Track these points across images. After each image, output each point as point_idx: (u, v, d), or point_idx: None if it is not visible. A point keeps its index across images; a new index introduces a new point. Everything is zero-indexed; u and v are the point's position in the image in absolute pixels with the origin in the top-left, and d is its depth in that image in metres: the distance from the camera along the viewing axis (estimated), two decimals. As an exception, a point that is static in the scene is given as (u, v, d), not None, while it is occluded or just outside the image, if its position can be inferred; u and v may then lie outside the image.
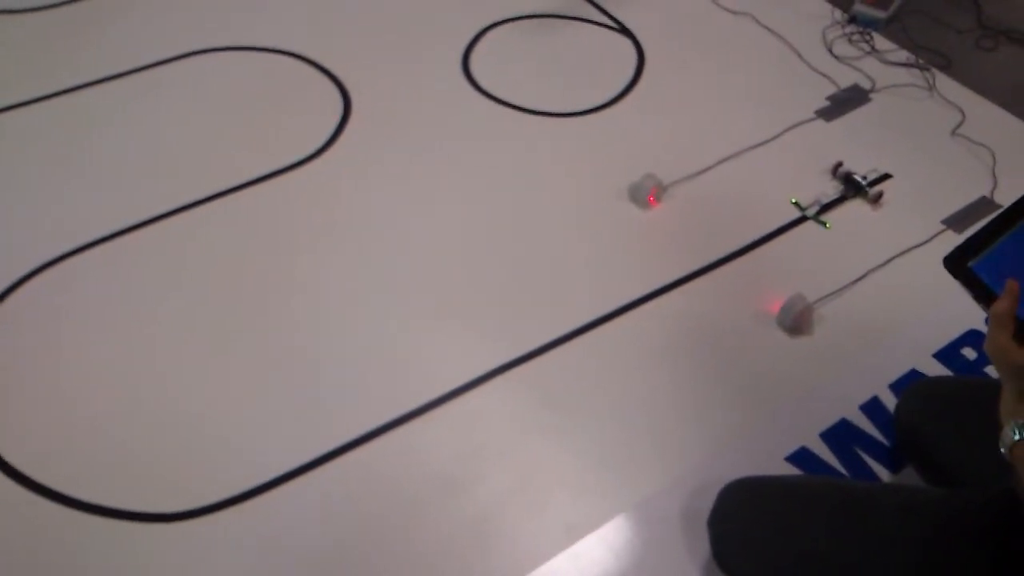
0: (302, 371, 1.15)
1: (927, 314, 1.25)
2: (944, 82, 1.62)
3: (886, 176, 1.44)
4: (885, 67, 1.65)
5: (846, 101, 1.58)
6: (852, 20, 1.74)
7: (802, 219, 1.37)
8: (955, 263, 0.74)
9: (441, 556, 1.00)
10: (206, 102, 1.52)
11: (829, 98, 1.59)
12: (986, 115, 1.57)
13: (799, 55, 1.67)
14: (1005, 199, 1.40)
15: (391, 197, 1.37)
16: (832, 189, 1.42)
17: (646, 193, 1.36)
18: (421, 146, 1.46)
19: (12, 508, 1.02)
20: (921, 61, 1.66)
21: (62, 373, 1.14)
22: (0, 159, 1.41)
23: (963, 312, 1.24)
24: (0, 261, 1.25)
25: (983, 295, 0.72)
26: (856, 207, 1.40)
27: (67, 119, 1.48)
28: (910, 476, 1.06)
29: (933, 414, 1.00)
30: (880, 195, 1.39)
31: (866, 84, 1.62)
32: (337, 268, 1.27)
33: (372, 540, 1.01)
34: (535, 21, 1.72)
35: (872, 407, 1.14)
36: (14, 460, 1.05)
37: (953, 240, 1.33)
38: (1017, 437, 0.68)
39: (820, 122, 1.54)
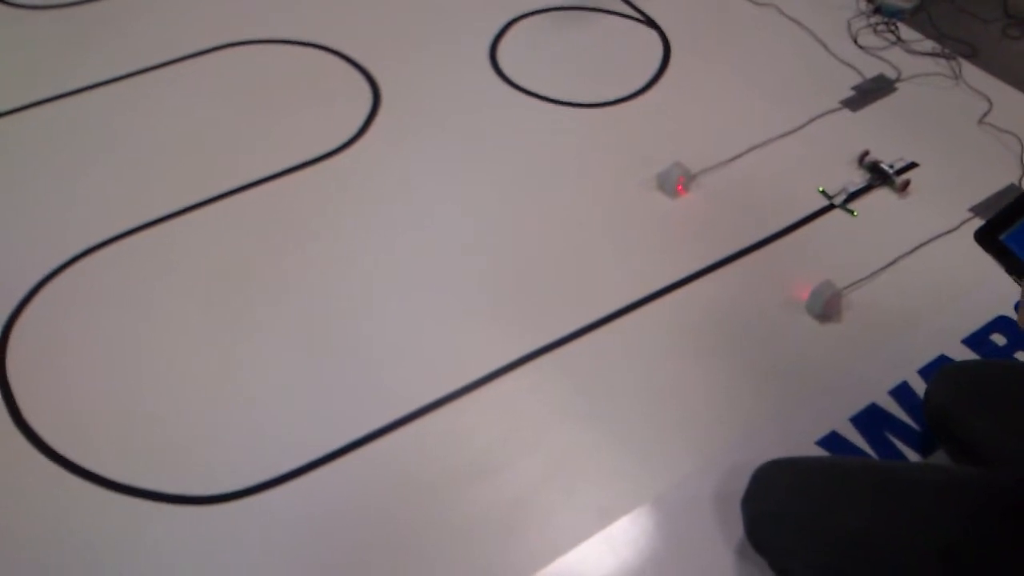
0: (334, 359, 1.17)
1: (955, 300, 1.25)
2: (970, 71, 1.63)
3: (913, 164, 1.44)
4: (911, 57, 1.66)
5: (872, 91, 1.59)
6: (877, 10, 1.75)
7: (829, 207, 1.38)
8: (986, 237, 0.75)
9: (475, 539, 1.01)
10: (236, 95, 1.54)
11: (855, 88, 1.59)
12: (1013, 103, 1.57)
13: (824, 46, 1.67)
14: (1033, 187, 1.41)
15: (420, 187, 1.39)
16: (859, 178, 1.42)
17: (674, 182, 1.37)
18: (450, 137, 1.48)
19: (50, 488, 1.04)
20: (947, 50, 1.66)
21: (98, 358, 1.16)
22: (35, 152, 1.43)
23: (992, 299, 1.24)
24: (40, 248, 1.28)
25: (1015, 267, 0.73)
26: (883, 195, 1.40)
27: (101, 112, 1.50)
28: (940, 459, 1.07)
29: (963, 397, 1.01)
30: (907, 183, 1.40)
31: (892, 74, 1.62)
32: (368, 257, 1.29)
33: (405, 524, 1.02)
34: (562, 13, 1.73)
35: (902, 392, 1.14)
36: (52, 441, 1.08)
37: (981, 227, 1.34)
38: None
39: (846, 112, 1.55)
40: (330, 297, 1.24)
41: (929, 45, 1.68)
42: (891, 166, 1.42)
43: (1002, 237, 0.74)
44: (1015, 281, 0.73)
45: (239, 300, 1.23)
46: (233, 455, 1.07)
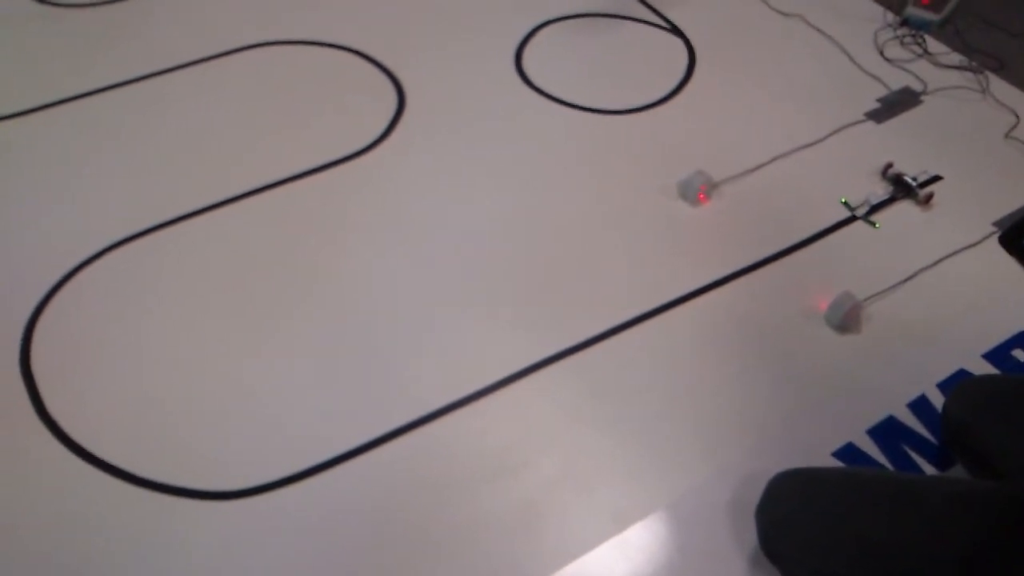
0: (354, 360, 1.18)
1: (977, 315, 1.24)
2: (998, 85, 1.62)
3: (937, 178, 1.44)
4: (937, 69, 1.65)
5: (897, 103, 1.58)
6: (904, 23, 1.74)
7: (851, 219, 1.38)
8: (1010, 240, 0.75)
9: (489, 542, 1.02)
10: (262, 95, 1.56)
11: (880, 100, 1.59)
12: (1040, 118, 1.56)
13: (850, 57, 1.67)
14: (1059, 202, 1.40)
15: (444, 189, 1.40)
16: (882, 190, 1.42)
17: (696, 190, 1.37)
18: (473, 140, 1.49)
19: (72, 482, 1.06)
20: (974, 64, 1.65)
21: (122, 354, 1.18)
22: (61, 149, 1.46)
23: (1014, 314, 1.24)
24: (66, 243, 1.30)
25: None
26: (906, 208, 1.40)
27: (127, 110, 1.52)
28: (958, 474, 1.06)
29: (982, 411, 1.00)
30: (930, 196, 1.39)
31: (917, 86, 1.62)
32: (389, 258, 1.30)
33: (419, 525, 1.03)
34: (588, 20, 1.74)
35: (920, 405, 1.14)
36: (76, 435, 1.10)
37: (1005, 241, 1.34)
38: None
39: (870, 124, 1.54)
40: (351, 298, 1.25)
41: (956, 58, 1.68)
42: (915, 179, 1.41)
43: None
44: None
45: (263, 298, 1.25)
46: (253, 452, 1.08)
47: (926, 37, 1.71)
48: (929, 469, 1.08)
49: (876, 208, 1.39)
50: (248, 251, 1.31)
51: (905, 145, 1.49)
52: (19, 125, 1.50)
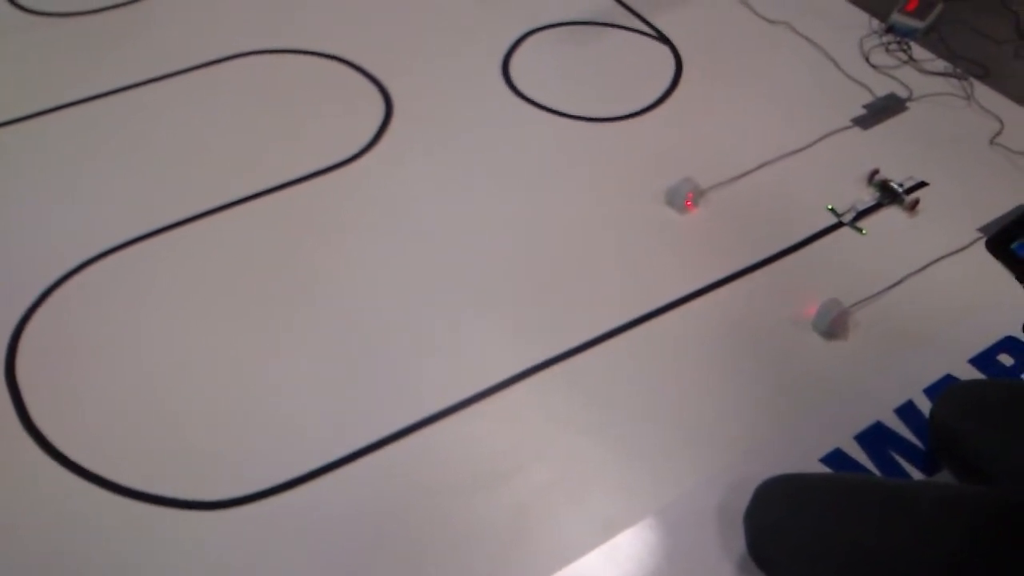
0: (344, 367, 1.18)
1: (963, 320, 1.25)
2: (982, 91, 1.63)
3: (922, 184, 1.45)
4: (922, 76, 1.66)
5: (883, 110, 1.59)
6: (890, 30, 1.75)
7: (838, 225, 1.38)
8: (997, 245, 0.75)
9: (480, 548, 1.02)
10: (253, 103, 1.56)
11: (866, 106, 1.60)
12: (1024, 124, 1.57)
13: (836, 64, 1.68)
14: (1043, 207, 1.41)
15: (432, 196, 1.40)
16: (868, 196, 1.43)
17: (683, 197, 1.38)
18: (461, 148, 1.49)
19: (60, 494, 1.05)
20: (959, 70, 1.67)
21: (110, 363, 1.17)
22: (56, 154, 1.45)
23: (1000, 319, 1.24)
24: (55, 250, 1.29)
25: None
26: (892, 214, 1.41)
27: (115, 118, 1.52)
28: (945, 479, 1.07)
29: (969, 416, 1.01)
30: (916, 202, 1.40)
31: (903, 93, 1.62)
32: (380, 265, 1.30)
33: (411, 529, 1.03)
34: (575, 28, 1.75)
35: (907, 410, 1.14)
36: (62, 445, 1.09)
37: (990, 247, 1.34)
38: None
39: (856, 130, 1.55)
40: (342, 305, 1.25)
41: (941, 65, 1.69)
42: (901, 185, 1.42)
43: (1013, 246, 0.75)
44: None
45: (257, 305, 1.24)
46: (247, 459, 1.08)
47: (911, 44, 1.72)
48: (916, 474, 1.08)
49: (862, 214, 1.40)
50: (239, 259, 1.30)
51: (891, 151, 1.50)
52: (17, 132, 1.49)
